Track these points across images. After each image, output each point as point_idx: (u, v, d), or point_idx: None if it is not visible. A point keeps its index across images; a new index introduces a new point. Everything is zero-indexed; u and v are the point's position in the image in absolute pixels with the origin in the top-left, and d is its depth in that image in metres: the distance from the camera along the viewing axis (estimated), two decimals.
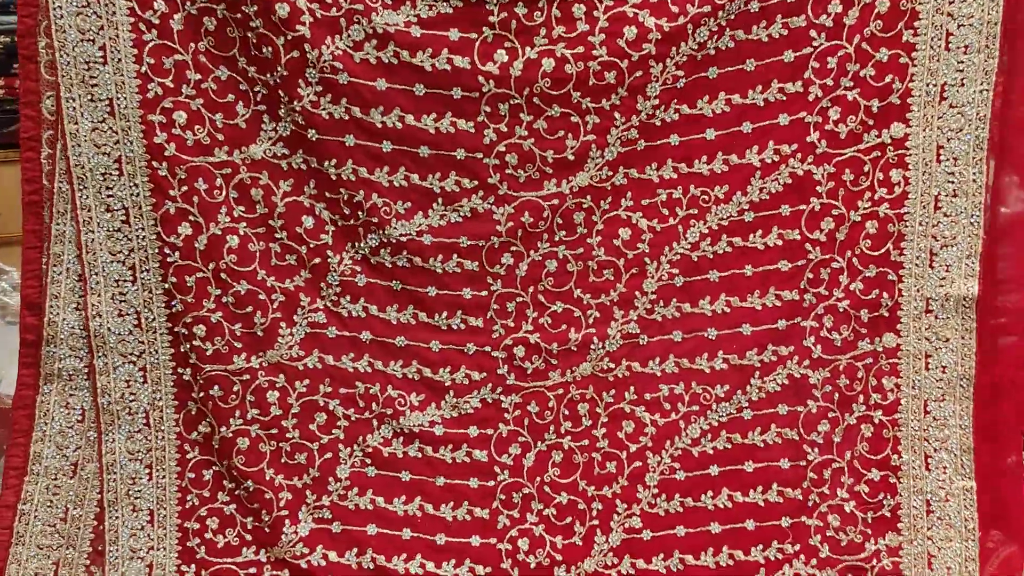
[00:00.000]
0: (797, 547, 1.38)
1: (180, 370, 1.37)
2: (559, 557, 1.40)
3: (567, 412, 1.41)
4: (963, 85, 1.28)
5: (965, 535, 1.36)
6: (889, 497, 1.38)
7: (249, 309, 1.34)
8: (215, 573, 1.39)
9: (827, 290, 1.36)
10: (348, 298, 1.37)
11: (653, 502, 1.40)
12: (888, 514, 1.38)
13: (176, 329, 1.35)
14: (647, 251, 1.36)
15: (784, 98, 1.30)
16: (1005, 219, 1.33)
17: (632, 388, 1.40)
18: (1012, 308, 1.36)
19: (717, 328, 1.38)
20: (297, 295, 1.36)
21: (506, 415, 1.41)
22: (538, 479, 1.41)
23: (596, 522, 1.41)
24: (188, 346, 1.35)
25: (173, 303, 1.34)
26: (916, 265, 1.34)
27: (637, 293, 1.38)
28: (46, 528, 1.38)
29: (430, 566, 1.40)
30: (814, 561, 1.38)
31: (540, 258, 1.37)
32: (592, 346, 1.39)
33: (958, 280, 1.33)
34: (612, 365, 1.40)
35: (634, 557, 1.40)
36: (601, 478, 1.42)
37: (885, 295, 1.35)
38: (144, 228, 1.31)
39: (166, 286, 1.33)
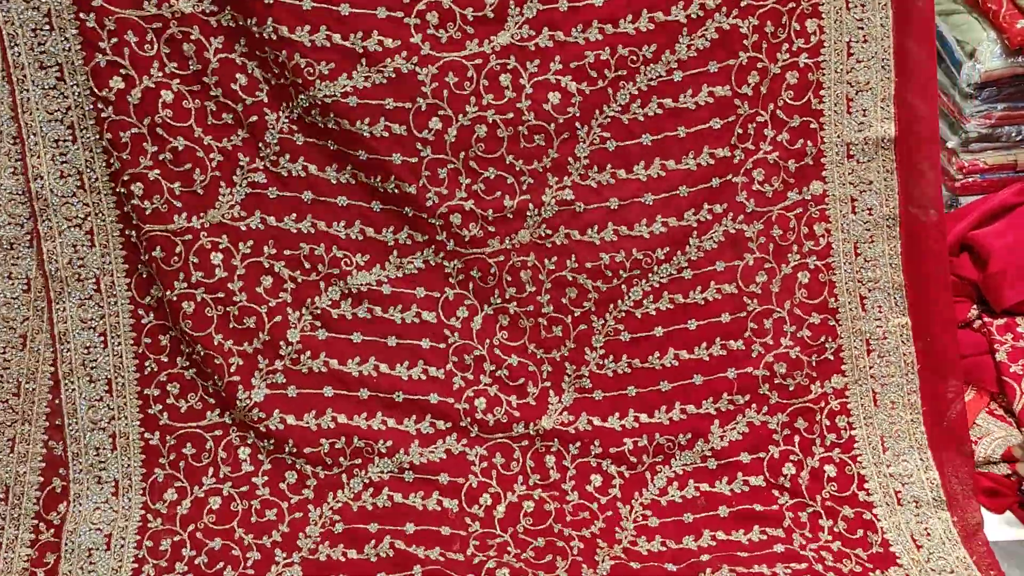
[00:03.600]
0: (747, 397, 1.36)
1: (128, 232, 1.31)
2: (517, 414, 1.37)
3: (509, 278, 1.37)
4: None
5: (905, 369, 1.35)
6: (831, 340, 1.36)
7: (187, 167, 1.28)
8: (180, 438, 1.34)
9: (754, 144, 1.33)
10: (287, 157, 1.31)
11: (601, 363, 1.38)
12: (831, 357, 1.36)
13: (117, 189, 1.29)
14: (577, 115, 1.31)
15: None
16: None
17: (573, 256, 1.36)
18: None
19: (653, 193, 1.33)
20: (236, 154, 1.30)
21: (450, 279, 1.37)
22: (487, 341, 1.38)
23: (548, 384, 1.38)
24: (129, 206, 1.29)
25: (112, 161, 1.27)
26: (835, 112, 1.32)
27: (570, 159, 1.33)
28: None
29: (391, 423, 1.36)
30: (765, 408, 1.37)
31: (469, 123, 1.30)
32: (528, 213, 1.34)
33: (875, 124, 1.31)
34: (550, 232, 1.35)
35: (590, 415, 1.37)
36: (548, 341, 1.38)
37: (809, 143, 1.33)
38: (78, 84, 1.24)
39: (104, 144, 1.27)
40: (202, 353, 1.32)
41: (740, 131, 1.32)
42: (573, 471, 1.36)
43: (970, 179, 1.61)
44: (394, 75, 1.28)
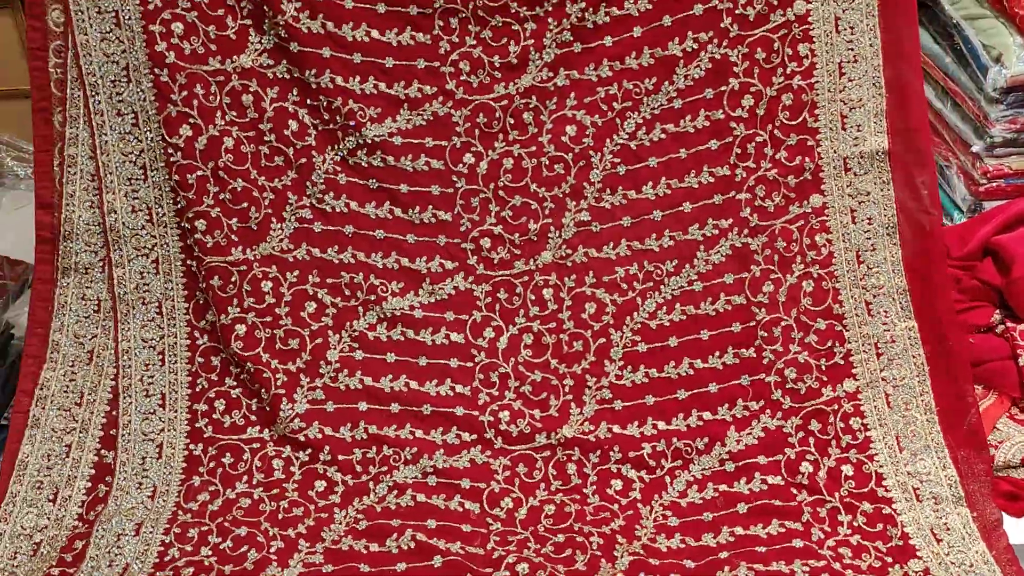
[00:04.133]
0: (761, 403, 1.41)
1: (188, 262, 1.43)
2: (539, 425, 1.43)
3: (533, 297, 1.46)
4: None
5: (916, 371, 1.38)
6: (839, 345, 1.40)
7: (244, 205, 1.42)
8: (221, 448, 1.42)
9: (755, 163, 1.42)
10: (331, 195, 1.45)
11: (620, 374, 1.44)
12: (841, 361, 1.40)
13: (182, 224, 1.42)
14: (591, 144, 1.44)
15: None
16: None
17: (591, 272, 1.46)
18: None
19: (661, 209, 1.44)
20: (285, 193, 1.44)
21: (478, 302, 1.47)
22: (512, 360, 1.46)
23: (570, 396, 1.45)
24: (192, 239, 1.42)
25: (178, 199, 1.42)
26: (830, 129, 1.41)
27: (585, 184, 1.45)
28: (62, 413, 1.41)
29: (419, 433, 1.43)
30: (779, 414, 1.41)
31: (497, 156, 1.44)
32: (550, 235, 1.46)
33: (869, 138, 1.39)
34: (570, 251, 1.46)
35: (609, 424, 1.43)
36: (570, 356, 1.46)
37: (807, 160, 1.41)
38: (151, 130, 1.40)
39: (172, 183, 1.41)
40: (252, 369, 1.42)
41: (739, 151, 1.42)
42: (594, 477, 1.40)
43: (994, 184, 1.60)
44: (432, 117, 1.43)
